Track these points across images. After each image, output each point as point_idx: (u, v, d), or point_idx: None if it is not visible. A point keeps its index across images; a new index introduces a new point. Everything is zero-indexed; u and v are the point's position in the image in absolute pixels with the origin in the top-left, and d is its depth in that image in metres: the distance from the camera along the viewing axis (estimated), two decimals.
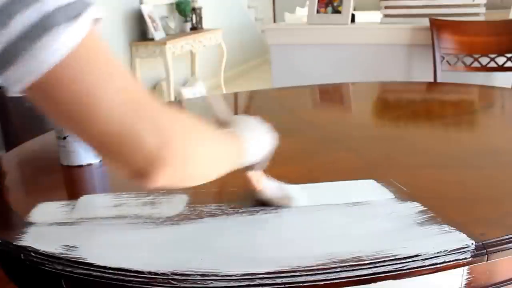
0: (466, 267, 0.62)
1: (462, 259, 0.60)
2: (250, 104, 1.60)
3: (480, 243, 0.61)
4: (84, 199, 0.80)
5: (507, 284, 0.66)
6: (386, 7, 2.37)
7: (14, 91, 0.44)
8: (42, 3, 0.41)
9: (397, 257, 0.59)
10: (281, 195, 0.75)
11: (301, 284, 0.58)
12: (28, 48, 0.41)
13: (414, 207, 0.71)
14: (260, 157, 0.70)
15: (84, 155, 0.95)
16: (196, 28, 4.77)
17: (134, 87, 0.48)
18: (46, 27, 0.41)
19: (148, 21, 4.04)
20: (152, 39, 4.06)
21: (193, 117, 0.55)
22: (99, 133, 0.46)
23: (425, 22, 2.20)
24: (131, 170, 0.48)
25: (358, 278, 0.58)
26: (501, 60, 2.10)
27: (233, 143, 0.64)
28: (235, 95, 1.72)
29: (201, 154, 0.55)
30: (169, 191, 0.80)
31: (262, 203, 0.74)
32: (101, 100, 0.45)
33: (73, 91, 0.44)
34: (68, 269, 0.62)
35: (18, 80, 0.43)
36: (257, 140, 0.69)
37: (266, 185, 0.74)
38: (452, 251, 0.60)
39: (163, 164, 0.48)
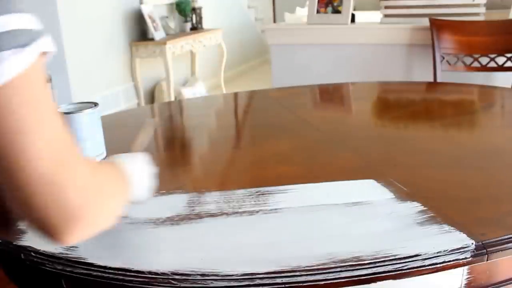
0: (466, 267, 0.62)
1: (462, 259, 0.60)
2: (250, 104, 1.60)
3: (480, 243, 0.61)
4: None
5: (507, 284, 0.66)
6: (386, 7, 2.37)
7: None
8: None
9: (397, 257, 0.59)
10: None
11: (301, 284, 0.58)
12: None
13: (414, 207, 0.71)
14: (144, 191, 0.70)
15: (84, 155, 0.95)
16: (196, 28, 4.77)
17: (64, 137, 0.46)
18: None
19: (148, 21, 4.05)
20: (152, 39, 4.06)
21: (102, 166, 0.55)
22: (20, 178, 0.43)
23: (425, 22, 2.20)
24: (47, 223, 0.45)
25: (358, 278, 0.58)
26: (501, 60, 2.10)
27: (124, 183, 0.62)
28: (235, 95, 1.72)
29: (109, 207, 0.53)
30: (169, 191, 0.80)
31: None
32: (30, 143, 0.42)
33: (3, 124, 0.41)
34: (68, 269, 0.62)
35: None
36: (139, 175, 0.68)
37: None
38: (452, 251, 0.60)
39: (79, 223, 0.46)
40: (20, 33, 0.41)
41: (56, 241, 0.46)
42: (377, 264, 0.59)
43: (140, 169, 0.69)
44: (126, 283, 0.59)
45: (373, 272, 0.58)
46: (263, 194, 0.78)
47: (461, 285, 0.64)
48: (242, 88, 4.24)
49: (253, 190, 0.79)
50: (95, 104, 0.98)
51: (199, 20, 4.82)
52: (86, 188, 0.47)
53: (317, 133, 1.14)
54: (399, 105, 1.48)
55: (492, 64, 2.10)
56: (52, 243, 0.47)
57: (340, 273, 0.58)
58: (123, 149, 0.96)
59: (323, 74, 2.44)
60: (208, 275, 0.58)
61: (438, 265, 0.60)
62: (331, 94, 1.70)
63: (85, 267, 0.61)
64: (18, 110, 0.41)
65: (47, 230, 0.45)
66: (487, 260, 0.62)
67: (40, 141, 0.43)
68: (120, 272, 0.60)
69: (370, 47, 2.40)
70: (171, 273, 0.58)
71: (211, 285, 0.58)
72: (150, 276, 0.59)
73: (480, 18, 2.24)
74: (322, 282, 0.58)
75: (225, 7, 5.89)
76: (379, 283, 0.59)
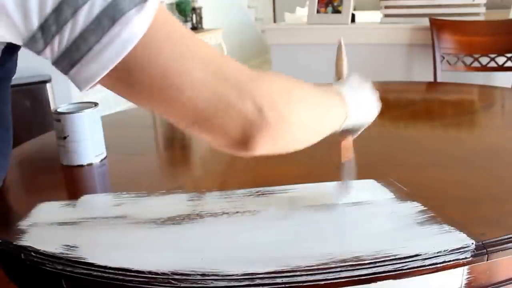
0: (466, 267, 0.62)
1: (462, 259, 0.60)
2: None
3: (480, 243, 0.61)
4: (85, 198, 0.80)
5: (507, 284, 0.66)
6: (386, 7, 2.37)
7: (84, 87, 0.42)
8: None
9: (397, 257, 0.59)
10: (349, 178, 0.72)
11: (301, 284, 0.58)
12: (97, 40, 0.40)
13: (414, 207, 0.71)
14: (361, 121, 0.65)
15: (84, 155, 0.95)
16: (196, 28, 4.77)
17: (215, 55, 0.46)
18: (114, 17, 0.39)
19: None
20: None
21: (289, 77, 0.53)
22: (191, 108, 0.44)
23: (425, 22, 2.20)
24: (231, 140, 0.47)
25: (358, 278, 0.58)
26: (501, 60, 2.09)
27: (335, 103, 0.60)
28: None
29: (302, 115, 0.52)
30: (169, 191, 0.80)
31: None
32: (187, 76, 0.43)
33: (156, 72, 0.42)
34: (68, 269, 0.62)
35: (89, 76, 0.41)
36: (361, 102, 0.64)
37: (351, 160, 0.70)
38: (452, 251, 0.60)
39: (263, 129, 0.46)
40: None
41: (247, 152, 0.48)
42: (377, 264, 0.59)
43: (355, 89, 0.65)
44: (126, 283, 0.59)
45: (373, 272, 0.58)
46: (263, 194, 0.78)
47: (461, 285, 0.64)
48: None
49: (254, 190, 0.79)
50: (95, 104, 0.98)
51: (199, 20, 4.82)
52: (257, 93, 0.46)
53: None
54: (399, 105, 1.48)
55: (492, 64, 2.10)
56: (245, 155, 0.48)
57: (340, 273, 0.58)
58: (124, 149, 0.96)
59: (323, 74, 2.42)
60: (208, 275, 0.58)
61: (438, 265, 0.60)
62: None
63: (85, 267, 0.61)
64: (166, 56, 0.42)
65: (234, 144, 0.47)
66: (487, 260, 0.62)
67: (197, 67, 0.44)
68: (120, 272, 0.60)
69: (370, 47, 2.40)
70: (171, 273, 0.58)
71: (211, 285, 0.58)
72: (150, 276, 0.59)
73: (480, 18, 2.24)
74: (322, 282, 0.58)
75: (225, 7, 5.89)
76: (379, 283, 0.59)
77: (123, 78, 0.43)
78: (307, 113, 0.53)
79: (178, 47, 0.44)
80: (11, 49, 0.44)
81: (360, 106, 0.64)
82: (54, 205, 0.77)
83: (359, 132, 0.68)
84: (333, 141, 1.09)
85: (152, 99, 0.45)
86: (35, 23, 0.39)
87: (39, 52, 0.41)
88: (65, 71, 0.42)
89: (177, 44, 0.44)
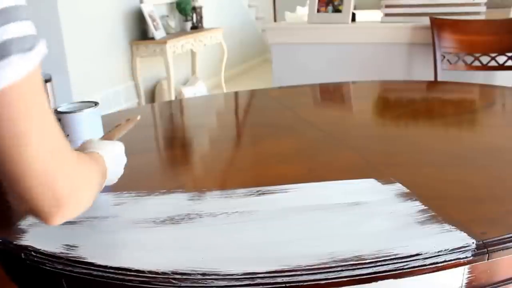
0: (467, 266, 0.62)
1: (463, 258, 0.60)
2: (250, 103, 1.60)
3: (481, 242, 0.61)
4: None
5: (508, 283, 0.66)
6: (387, 6, 2.37)
7: None
8: (2, 31, 0.43)
9: (397, 256, 0.59)
10: None
11: (302, 283, 0.58)
12: None
13: (414, 206, 0.71)
14: (115, 179, 0.79)
15: None
16: (196, 27, 4.77)
17: (58, 136, 0.52)
18: (3, 54, 0.43)
19: (149, 20, 4.04)
20: (153, 38, 4.06)
21: (84, 157, 0.63)
22: (19, 171, 0.49)
23: (426, 21, 2.20)
24: (39, 209, 0.52)
25: (359, 277, 0.58)
26: (501, 59, 2.09)
27: (100, 170, 0.69)
28: (236, 94, 1.72)
29: (89, 194, 0.60)
30: (169, 191, 0.80)
31: None
32: (31, 142, 0.48)
33: (8, 121, 0.46)
34: (68, 268, 0.62)
35: None
36: (113, 164, 0.75)
37: None
38: (453, 250, 0.60)
39: (65, 210, 0.54)
40: (25, 39, 0.45)
41: (47, 223, 0.54)
42: (378, 264, 0.59)
43: (115, 158, 0.76)
44: (126, 283, 0.59)
45: (374, 271, 0.58)
46: (263, 193, 0.78)
47: (462, 284, 0.64)
48: (243, 87, 4.24)
49: (254, 189, 0.79)
50: (96, 104, 0.98)
51: (200, 19, 4.82)
52: (73, 178, 0.54)
53: (317, 132, 1.14)
54: (400, 104, 1.48)
55: (493, 63, 2.10)
56: (43, 223, 0.55)
57: (341, 272, 0.58)
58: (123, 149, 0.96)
59: (323, 73, 2.43)
60: (208, 275, 0.58)
61: (439, 265, 0.60)
62: (332, 93, 1.70)
63: (85, 266, 0.61)
64: (18, 113, 0.46)
65: (40, 215, 0.53)
66: (488, 260, 0.62)
67: (38, 140, 0.49)
68: (120, 271, 0.59)
69: (370, 46, 2.40)
70: (171, 273, 0.58)
71: (212, 284, 0.58)
72: (150, 275, 0.59)
73: (481, 17, 2.24)
74: (323, 282, 0.58)
75: (225, 6, 5.89)
76: (380, 282, 0.59)
77: None
78: (90, 193, 0.61)
79: (38, 109, 0.48)
80: None
81: (114, 166, 0.76)
82: None
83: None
84: (333, 140, 1.09)
85: None
86: None
87: None
88: None
89: (38, 105, 0.48)
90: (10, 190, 0.52)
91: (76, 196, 0.55)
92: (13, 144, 0.47)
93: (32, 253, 0.64)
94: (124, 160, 0.81)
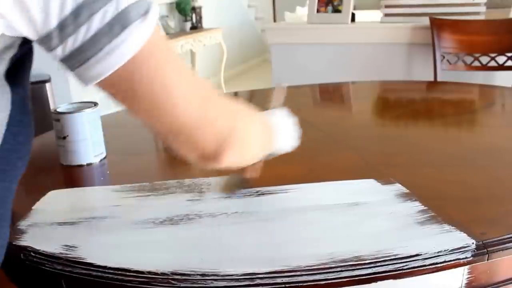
0: (467, 267, 0.62)
1: (463, 258, 0.60)
2: (250, 103, 1.59)
3: (481, 243, 0.61)
4: (84, 198, 0.80)
5: (508, 284, 0.66)
6: (386, 6, 2.37)
7: (90, 82, 0.47)
8: (117, 1, 0.44)
9: (397, 256, 0.59)
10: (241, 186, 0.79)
11: (301, 284, 0.58)
12: (108, 43, 0.44)
13: (414, 207, 0.71)
14: (283, 149, 0.76)
15: (84, 155, 0.95)
16: (196, 27, 4.77)
17: (199, 79, 0.53)
18: (124, 24, 0.44)
19: None
20: None
21: (245, 104, 0.63)
22: (176, 122, 0.51)
23: (425, 21, 2.20)
24: (203, 153, 0.54)
25: (359, 277, 0.58)
26: (501, 59, 2.09)
27: (269, 132, 0.70)
28: (235, 94, 1.72)
29: (253, 139, 0.62)
30: (169, 191, 0.80)
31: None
32: (177, 92, 0.49)
33: (149, 83, 0.47)
34: (68, 269, 0.62)
35: (97, 73, 0.45)
36: (285, 133, 0.75)
37: (254, 175, 0.78)
38: (452, 251, 0.60)
39: (230, 147, 0.55)
40: (139, 3, 0.45)
41: (218, 164, 0.56)
42: (378, 264, 0.59)
43: (283, 122, 0.76)
44: (125, 283, 0.59)
45: (373, 272, 0.58)
46: (263, 194, 0.78)
47: (461, 284, 0.64)
48: (242, 87, 4.24)
49: (253, 189, 0.79)
50: (95, 104, 0.98)
51: (199, 20, 4.81)
52: (231, 116, 0.56)
53: (317, 132, 1.14)
54: (400, 104, 1.48)
55: (493, 64, 2.10)
56: (209, 166, 0.57)
57: (341, 272, 0.58)
58: (123, 149, 0.96)
59: (323, 74, 2.43)
60: (208, 275, 0.58)
61: (439, 265, 0.60)
62: (331, 94, 1.70)
63: (84, 267, 0.61)
64: (160, 70, 0.48)
65: (204, 157, 0.55)
66: (487, 260, 0.61)
67: (183, 89, 0.50)
68: (119, 272, 0.59)
69: (370, 47, 2.40)
70: (170, 273, 0.58)
71: (211, 285, 0.57)
72: (149, 276, 0.58)
73: (481, 17, 2.24)
74: (323, 282, 0.58)
75: (225, 6, 5.88)
76: (379, 282, 0.59)
77: (123, 81, 0.47)
78: (255, 138, 0.64)
79: (171, 63, 0.50)
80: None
81: (284, 136, 0.75)
82: (53, 205, 0.77)
83: (272, 156, 0.77)
84: (333, 140, 1.09)
85: (143, 108, 0.50)
86: (54, 22, 0.43)
87: (50, 49, 0.45)
88: (73, 68, 0.46)
89: (171, 60, 0.50)
90: (172, 146, 0.54)
91: (236, 135, 0.56)
92: (164, 100, 0.49)
93: (32, 253, 0.64)
94: (294, 132, 0.78)
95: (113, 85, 0.47)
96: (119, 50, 0.44)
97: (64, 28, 0.43)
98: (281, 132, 0.74)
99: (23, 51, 0.48)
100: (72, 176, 0.95)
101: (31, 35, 0.44)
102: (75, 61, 0.45)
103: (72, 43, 0.44)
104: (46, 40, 0.44)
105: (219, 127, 0.54)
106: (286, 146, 0.76)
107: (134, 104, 0.50)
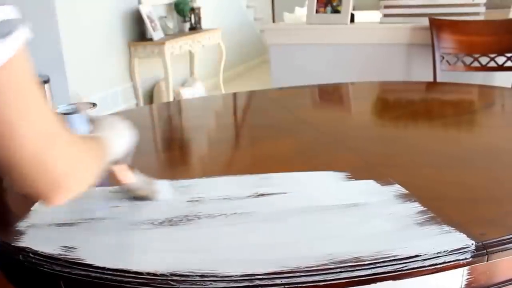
0: (466, 267, 0.62)
1: (462, 259, 0.60)
2: (249, 104, 1.59)
3: (480, 243, 0.61)
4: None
5: (508, 285, 0.66)
6: (386, 7, 2.37)
7: None
8: None
9: (397, 257, 0.59)
10: (147, 189, 0.78)
11: (301, 285, 0.58)
12: None
13: (413, 207, 0.71)
14: (121, 152, 0.76)
15: None
16: (195, 28, 4.76)
17: (49, 118, 0.51)
18: None
19: (147, 21, 4.04)
20: (151, 39, 4.05)
21: (79, 137, 0.61)
22: (12, 156, 0.48)
23: (425, 21, 2.20)
24: (37, 192, 0.52)
25: (358, 278, 0.58)
26: (501, 59, 2.09)
27: (100, 148, 0.69)
28: (234, 95, 1.72)
29: (88, 174, 0.59)
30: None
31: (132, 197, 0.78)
32: (19, 126, 0.47)
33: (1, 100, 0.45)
34: (66, 270, 0.61)
35: None
36: (117, 138, 0.74)
37: (132, 179, 0.78)
38: (452, 252, 0.60)
39: (65, 190, 0.53)
40: (3, 24, 0.43)
41: (50, 204, 0.54)
42: (377, 265, 0.59)
43: (117, 134, 0.75)
44: (124, 284, 0.59)
45: (373, 272, 0.58)
46: (262, 195, 0.78)
47: (461, 285, 0.64)
48: (241, 88, 4.24)
49: (253, 190, 0.79)
50: (94, 105, 0.97)
51: (198, 20, 4.81)
52: (68, 158, 0.53)
53: (316, 133, 1.14)
54: (399, 105, 1.48)
55: (492, 64, 2.10)
56: (44, 204, 0.54)
57: (340, 273, 0.58)
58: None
59: (322, 74, 2.43)
60: (207, 276, 0.58)
61: (438, 266, 0.60)
62: (331, 94, 1.70)
63: (83, 268, 0.61)
64: (5, 96, 0.45)
65: (40, 197, 0.53)
66: (487, 261, 0.61)
67: (26, 124, 0.48)
68: (118, 273, 0.59)
69: (369, 47, 2.40)
70: (170, 274, 0.58)
71: (210, 286, 0.57)
72: (148, 277, 0.58)
73: (480, 17, 2.24)
74: (322, 283, 0.58)
75: (224, 7, 5.88)
76: (379, 283, 0.59)
77: None
78: (91, 170, 0.60)
79: (22, 95, 0.47)
80: None
81: (117, 142, 0.74)
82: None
83: (126, 160, 0.78)
84: (332, 141, 1.09)
85: None
86: None
87: None
88: None
89: (23, 92, 0.47)
90: (8, 178, 0.52)
91: (75, 175, 0.54)
92: (3, 131, 0.47)
93: (30, 254, 0.64)
94: (126, 131, 0.78)
95: None
96: None
97: None
98: (113, 139, 0.73)
99: None
100: None
101: None
102: None
103: None
104: None
105: (55, 170, 0.52)
106: (125, 146, 0.76)
107: None
